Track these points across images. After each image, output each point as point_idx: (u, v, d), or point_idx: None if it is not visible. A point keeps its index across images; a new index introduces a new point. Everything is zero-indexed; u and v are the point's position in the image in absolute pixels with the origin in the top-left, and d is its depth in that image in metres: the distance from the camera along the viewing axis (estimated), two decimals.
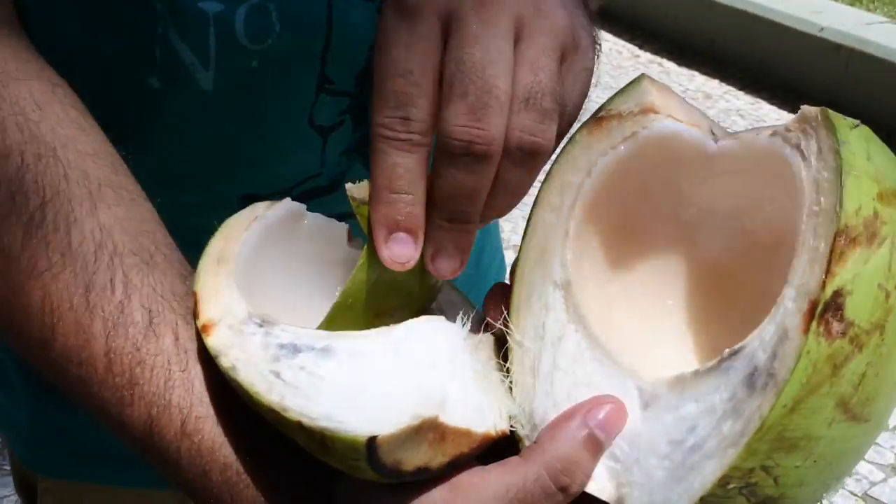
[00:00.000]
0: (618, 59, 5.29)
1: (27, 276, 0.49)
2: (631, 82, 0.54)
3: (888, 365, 0.43)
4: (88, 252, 0.50)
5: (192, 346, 0.51)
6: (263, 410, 0.46)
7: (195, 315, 0.50)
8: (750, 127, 4.26)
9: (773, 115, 4.60)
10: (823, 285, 0.41)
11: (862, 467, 2.40)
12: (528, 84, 0.48)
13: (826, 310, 0.41)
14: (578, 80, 0.53)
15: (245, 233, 0.55)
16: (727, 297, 0.54)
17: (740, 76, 5.08)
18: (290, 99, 0.68)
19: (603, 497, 0.47)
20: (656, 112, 0.52)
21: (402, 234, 0.50)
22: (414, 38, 0.48)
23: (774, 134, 0.49)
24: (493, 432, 0.48)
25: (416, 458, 0.45)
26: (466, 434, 0.47)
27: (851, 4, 5.30)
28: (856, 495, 2.32)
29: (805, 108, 0.47)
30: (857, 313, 0.41)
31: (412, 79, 0.48)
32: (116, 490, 0.85)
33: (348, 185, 0.52)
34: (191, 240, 0.55)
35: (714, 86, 4.98)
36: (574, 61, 0.52)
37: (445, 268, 0.51)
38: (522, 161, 0.49)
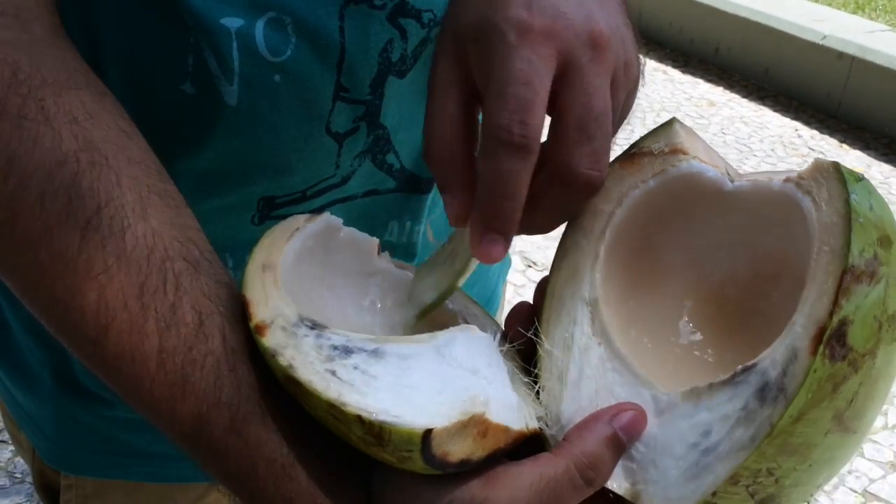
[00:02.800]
0: None
1: (83, 277, 0.51)
2: (663, 124, 0.61)
3: (875, 385, 0.50)
4: (142, 256, 0.52)
5: (240, 349, 0.53)
6: (320, 406, 0.49)
7: (248, 318, 0.53)
8: (753, 133, 4.25)
9: (775, 122, 4.62)
10: (831, 315, 0.47)
11: (862, 465, 2.43)
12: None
13: (832, 336, 0.47)
14: (626, 115, 0.62)
15: (287, 243, 0.59)
16: (731, 320, 0.60)
17: (744, 84, 5.11)
18: (309, 109, 0.70)
19: (620, 492, 0.52)
20: (685, 153, 0.59)
21: (495, 235, 0.54)
22: (535, 57, 0.52)
23: (788, 180, 0.55)
24: (526, 430, 0.53)
25: (461, 450, 0.49)
26: (505, 430, 0.51)
27: (854, 13, 5.33)
28: (856, 492, 2.36)
29: (818, 160, 0.54)
30: (856, 340, 0.48)
31: (533, 88, 0.52)
32: (139, 485, 0.88)
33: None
34: (213, 245, 0.58)
35: (718, 93, 5.01)
36: (626, 107, 0.61)
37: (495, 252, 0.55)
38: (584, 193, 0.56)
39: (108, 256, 0.51)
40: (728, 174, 0.59)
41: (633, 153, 0.61)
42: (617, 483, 0.52)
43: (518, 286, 3.10)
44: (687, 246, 0.62)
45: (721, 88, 5.10)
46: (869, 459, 2.47)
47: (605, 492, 0.53)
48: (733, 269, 0.61)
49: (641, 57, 0.63)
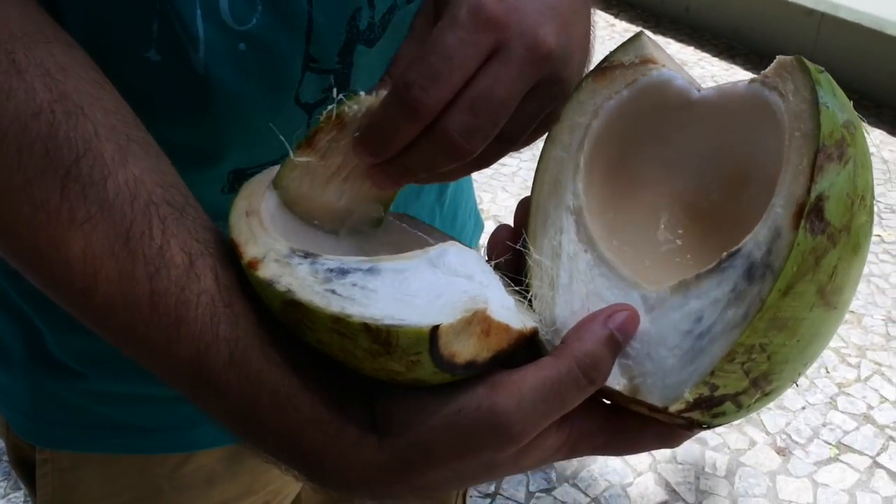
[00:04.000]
0: None
1: (67, 228, 0.50)
2: (631, 38, 0.63)
3: (851, 261, 0.52)
4: (125, 202, 0.51)
5: (234, 285, 0.53)
6: (324, 324, 0.49)
7: (240, 257, 0.53)
8: None
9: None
10: (809, 191, 0.50)
11: (836, 417, 2.48)
12: (509, 128, 0.57)
13: (811, 211, 0.49)
14: (544, 129, 0.63)
15: (267, 190, 0.59)
16: (706, 224, 0.63)
17: (715, 43, 5.14)
18: (278, 80, 0.69)
19: (619, 388, 0.53)
20: (655, 62, 0.61)
21: (367, 156, 0.58)
22: (470, 38, 0.54)
23: (752, 81, 0.58)
24: (526, 330, 0.54)
25: (467, 350, 0.50)
26: (506, 329, 0.52)
27: None
28: (830, 444, 2.41)
29: (781, 57, 0.56)
30: (833, 216, 0.50)
31: (451, 65, 0.53)
32: (116, 457, 0.88)
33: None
34: None
35: (689, 53, 5.03)
36: (552, 115, 0.62)
37: (378, 181, 0.59)
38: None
39: (91, 205, 0.50)
40: (693, 84, 0.61)
41: (605, 67, 0.62)
42: (615, 380, 0.54)
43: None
44: (659, 157, 0.64)
45: (692, 48, 5.12)
46: (843, 412, 2.52)
47: (599, 398, 0.55)
48: (705, 177, 0.63)
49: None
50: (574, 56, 0.59)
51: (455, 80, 0.53)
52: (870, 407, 2.54)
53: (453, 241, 0.56)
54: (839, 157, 0.51)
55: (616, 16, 5.56)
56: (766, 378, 0.52)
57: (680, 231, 0.63)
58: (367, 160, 0.58)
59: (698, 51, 5.07)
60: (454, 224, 1.02)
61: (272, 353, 0.52)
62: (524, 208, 0.62)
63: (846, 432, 2.46)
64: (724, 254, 0.53)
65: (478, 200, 3.44)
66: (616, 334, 0.53)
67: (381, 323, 0.48)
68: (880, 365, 2.70)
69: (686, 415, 0.52)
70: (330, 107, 0.57)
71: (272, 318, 0.53)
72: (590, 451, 0.56)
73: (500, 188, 3.56)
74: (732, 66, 4.87)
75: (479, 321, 0.50)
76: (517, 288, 0.59)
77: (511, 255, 0.61)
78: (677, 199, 0.64)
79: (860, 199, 0.52)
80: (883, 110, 4.35)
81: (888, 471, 2.32)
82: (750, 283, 0.51)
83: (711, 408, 0.52)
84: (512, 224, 0.63)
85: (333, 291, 0.49)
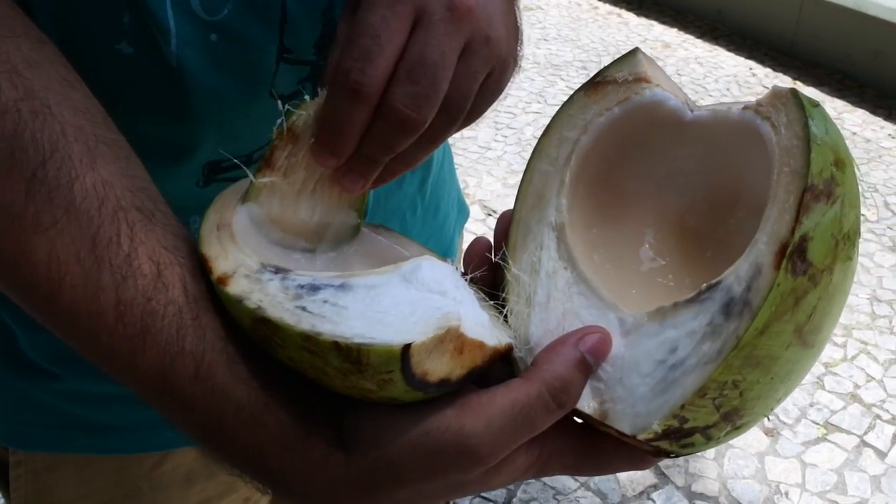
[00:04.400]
0: (577, 12, 5.31)
1: (32, 231, 0.49)
2: (626, 54, 0.62)
3: (832, 301, 0.52)
4: (92, 207, 0.50)
5: (202, 297, 0.52)
6: (294, 342, 0.48)
7: (209, 272, 0.52)
8: (707, 74, 4.28)
9: (730, 62, 4.65)
10: (793, 231, 0.49)
11: (823, 397, 2.50)
12: (450, 95, 0.58)
13: (794, 251, 0.49)
14: (491, 95, 0.64)
15: (239, 203, 0.58)
16: (691, 246, 0.62)
17: (698, 24, 5.14)
18: (252, 72, 0.69)
19: (589, 412, 0.53)
20: (648, 81, 0.60)
21: (329, 158, 0.58)
22: (390, 12, 0.55)
23: (747, 108, 0.57)
24: (500, 346, 0.53)
25: (440, 368, 0.49)
26: (480, 346, 0.51)
27: None
28: (818, 424, 2.42)
29: (776, 87, 0.56)
30: (816, 256, 0.50)
31: (380, 42, 0.55)
32: (91, 458, 0.87)
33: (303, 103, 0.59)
34: None
35: (672, 35, 5.03)
36: (494, 81, 0.63)
37: (348, 184, 0.60)
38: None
39: (57, 209, 0.49)
40: (687, 105, 0.60)
41: (598, 81, 0.62)
42: (586, 403, 0.53)
43: (478, 235, 3.09)
44: (648, 174, 0.63)
45: (675, 30, 5.11)
46: (830, 391, 2.53)
47: (573, 415, 0.54)
48: (693, 198, 0.63)
49: (521, 54, 0.68)
50: (497, 14, 0.60)
51: (388, 54, 0.55)
52: (856, 386, 2.56)
53: (427, 256, 0.55)
54: (827, 197, 0.50)
55: None
56: (737, 413, 0.52)
57: (664, 251, 0.63)
58: (329, 163, 0.58)
59: (682, 32, 5.06)
60: (437, 214, 1.01)
61: (239, 369, 0.51)
62: (505, 222, 0.61)
63: (833, 412, 2.47)
64: (704, 285, 0.52)
65: (463, 185, 3.46)
66: (587, 357, 0.53)
67: (352, 341, 0.47)
68: (866, 344, 2.71)
69: (654, 443, 0.52)
70: (279, 121, 0.57)
71: (241, 331, 0.52)
72: (560, 471, 0.55)
73: (485, 172, 3.55)
74: (716, 47, 4.86)
75: (452, 338, 0.49)
76: (493, 303, 0.59)
77: (487, 269, 0.60)
78: (664, 217, 0.63)
79: (845, 239, 0.51)
80: (865, 90, 4.35)
81: (875, 449, 2.34)
82: (727, 318, 0.50)
83: (680, 439, 0.52)
84: (493, 233, 0.63)
85: (304, 308, 0.49)
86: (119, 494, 0.90)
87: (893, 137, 3.93)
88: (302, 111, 0.58)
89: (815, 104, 0.54)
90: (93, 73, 0.57)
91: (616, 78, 0.61)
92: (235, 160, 0.72)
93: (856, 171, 0.54)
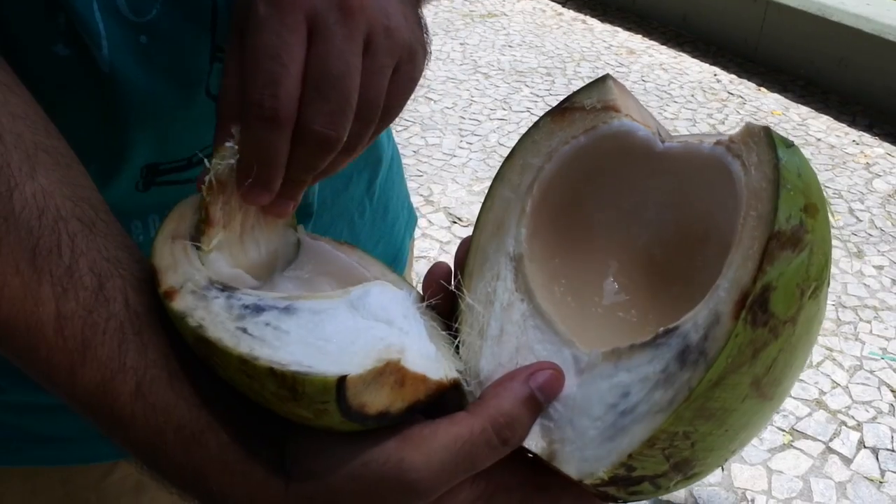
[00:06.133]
0: (541, 18, 5.32)
1: None
2: (596, 80, 0.60)
3: (794, 353, 0.50)
4: (32, 217, 0.49)
5: (146, 311, 0.51)
6: (232, 363, 0.48)
7: (157, 285, 0.51)
8: (672, 80, 4.30)
9: (695, 68, 4.68)
10: (755, 280, 0.47)
11: (789, 404, 2.51)
12: (361, 98, 0.56)
13: (755, 302, 0.47)
14: (405, 88, 0.61)
15: (196, 214, 0.57)
16: (657, 281, 0.60)
17: (662, 31, 5.18)
18: (185, 73, 0.67)
19: (536, 451, 0.52)
20: (617, 111, 0.58)
21: (261, 191, 0.57)
22: (283, 27, 0.53)
23: (719, 143, 0.55)
24: (445, 380, 0.52)
25: (378, 401, 0.48)
26: (423, 380, 0.50)
27: None
28: (784, 430, 2.42)
29: (749, 124, 0.53)
30: (778, 307, 0.48)
31: (282, 61, 0.53)
32: (37, 470, 0.85)
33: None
34: None
35: (637, 41, 5.06)
36: (404, 72, 0.60)
37: (280, 211, 0.60)
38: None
39: None
40: (659, 134, 0.58)
41: (565, 108, 0.60)
42: (534, 442, 0.52)
43: (444, 243, 3.10)
44: (615, 205, 0.61)
45: (640, 36, 5.14)
46: (795, 398, 2.54)
47: (524, 450, 0.53)
48: (660, 231, 0.61)
49: (429, 44, 0.65)
50: (391, 6, 0.58)
51: (293, 73, 0.53)
52: (822, 392, 2.57)
53: (380, 281, 0.55)
54: (793, 245, 0.48)
55: (564, 4, 5.56)
56: (687, 464, 0.50)
57: (629, 285, 0.61)
58: (263, 200, 0.57)
59: (646, 39, 5.09)
60: (386, 216, 1.00)
61: (181, 386, 0.50)
62: (466, 247, 0.60)
63: (799, 418, 2.47)
64: (662, 329, 0.50)
65: (427, 192, 3.45)
66: (537, 394, 0.52)
67: (288, 369, 0.46)
68: (831, 350, 2.73)
69: (601, 489, 0.50)
70: (206, 177, 0.56)
71: (186, 347, 0.51)
72: None
73: (450, 179, 3.54)
74: (680, 53, 4.89)
75: (392, 371, 0.48)
76: (446, 333, 0.57)
77: (444, 297, 0.59)
78: (630, 250, 0.61)
79: (812, 289, 0.49)
80: (829, 96, 4.38)
81: (841, 456, 2.35)
82: (681, 366, 0.48)
83: (628, 486, 0.50)
84: (454, 257, 0.61)
85: (244, 330, 0.48)
86: None
87: (857, 143, 3.97)
88: (221, 158, 0.56)
89: (789, 144, 0.52)
90: (31, 75, 0.56)
91: (584, 105, 0.59)
92: (174, 164, 0.71)
93: (829, 215, 0.52)
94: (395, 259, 1.02)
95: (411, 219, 1.10)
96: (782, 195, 0.49)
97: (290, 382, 0.46)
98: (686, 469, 0.50)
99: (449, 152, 3.76)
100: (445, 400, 0.53)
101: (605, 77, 0.60)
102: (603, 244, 0.62)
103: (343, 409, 0.47)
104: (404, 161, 3.38)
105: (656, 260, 0.60)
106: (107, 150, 0.68)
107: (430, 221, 3.21)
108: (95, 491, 0.87)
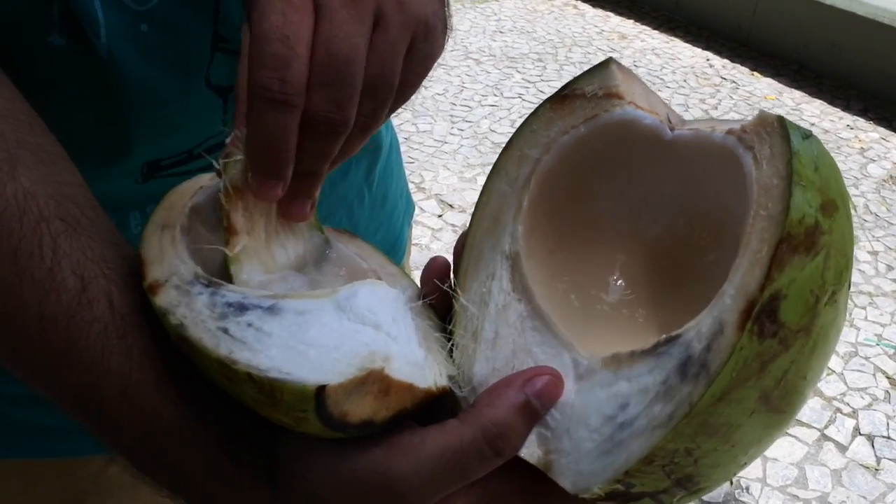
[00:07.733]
0: (533, 3, 5.29)
1: None
2: (599, 64, 0.56)
3: (808, 363, 0.46)
4: (13, 218, 0.48)
5: (129, 312, 0.50)
6: (211, 365, 0.47)
7: (141, 277, 0.50)
8: (665, 65, 4.28)
9: (687, 53, 4.66)
10: (762, 288, 0.43)
11: None
12: (372, 76, 0.54)
13: (762, 311, 0.43)
14: (421, 65, 0.58)
15: (189, 201, 0.56)
16: (666, 278, 0.57)
17: (654, 15, 5.15)
18: (186, 62, 0.67)
19: (531, 461, 0.49)
20: (620, 98, 0.55)
21: (273, 181, 0.54)
22: (289, 8, 0.51)
23: (730, 132, 0.51)
24: (434, 389, 0.50)
25: (361, 410, 0.46)
26: (409, 389, 0.48)
27: None
28: None
29: (763, 113, 0.50)
30: (789, 316, 0.44)
31: (289, 43, 0.51)
32: (34, 462, 0.84)
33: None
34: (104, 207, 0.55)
35: (629, 26, 5.04)
36: (420, 49, 0.57)
37: (297, 212, 0.57)
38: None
39: None
40: (669, 121, 0.55)
41: (565, 95, 0.56)
42: (529, 451, 0.49)
43: (435, 230, 3.07)
44: (622, 196, 0.58)
45: (632, 21, 5.11)
46: None
47: (518, 458, 0.50)
48: (671, 223, 0.57)
49: (450, 20, 0.62)
50: None
51: (301, 53, 0.51)
52: None
53: (371, 280, 0.53)
54: (807, 249, 0.44)
55: None
56: (691, 480, 0.47)
57: (636, 281, 0.57)
58: (275, 191, 0.54)
59: (638, 24, 5.06)
60: (384, 205, 0.99)
61: (167, 388, 0.50)
62: (464, 241, 0.57)
63: None
64: (664, 336, 0.47)
65: (419, 180, 3.42)
66: (533, 401, 0.49)
67: (266, 375, 0.45)
68: None
69: (599, 503, 0.48)
70: (219, 184, 0.54)
71: (173, 345, 0.50)
72: None
73: (441, 166, 3.51)
74: (673, 38, 4.86)
75: (375, 380, 0.46)
76: (438, 335, 0.55)
77: (441, 293, 0.57)
78: (638, 244, 0.58)
79: (829, 295, 0.45)
80: (822, 80, 4.37)
81: (836, 443, 2.34)
82: (682, 379, 0.45)
83: (628, 502, 0.48)
84: (453, 250, 0.59)
85: (225, 331, 0.47)
86: (65, 498, 0.87)
87: (851, 128, 3.95)
88: (231, 156, 0.54)
89: (807, 135, 0.48)
90: (25, 67, 0.55)
91: (585, 92, 0.55)
92: (175, 157, 0.70)
93: (850, 211, 0.48)
94: (393, 246, 1.01)
95: (409, 206, 1.09)
96: (795, 193, 0.45)
97: (267, 389, 0.45)
98: (689, 485, 0.47)
99: (440, 139, 3.73)
100: (443, 402, 0.51)
101: (609, 61, 0.56)
102: (609, 237, 0.58)
103: (323, 417, 0.45)
104: None
105: (666, 255, 0.57)
106: (106, 142, 0.67)
107: (421, 209, 3.18)
108: (94, 483, 0.87)
